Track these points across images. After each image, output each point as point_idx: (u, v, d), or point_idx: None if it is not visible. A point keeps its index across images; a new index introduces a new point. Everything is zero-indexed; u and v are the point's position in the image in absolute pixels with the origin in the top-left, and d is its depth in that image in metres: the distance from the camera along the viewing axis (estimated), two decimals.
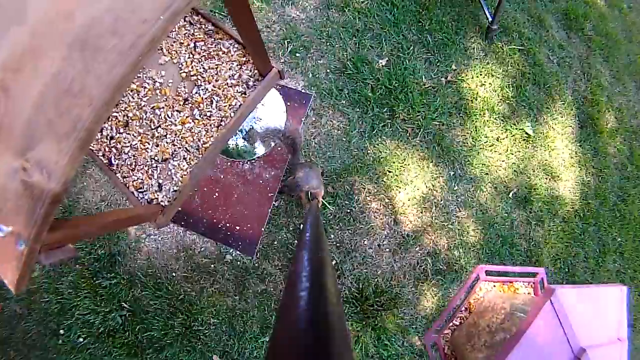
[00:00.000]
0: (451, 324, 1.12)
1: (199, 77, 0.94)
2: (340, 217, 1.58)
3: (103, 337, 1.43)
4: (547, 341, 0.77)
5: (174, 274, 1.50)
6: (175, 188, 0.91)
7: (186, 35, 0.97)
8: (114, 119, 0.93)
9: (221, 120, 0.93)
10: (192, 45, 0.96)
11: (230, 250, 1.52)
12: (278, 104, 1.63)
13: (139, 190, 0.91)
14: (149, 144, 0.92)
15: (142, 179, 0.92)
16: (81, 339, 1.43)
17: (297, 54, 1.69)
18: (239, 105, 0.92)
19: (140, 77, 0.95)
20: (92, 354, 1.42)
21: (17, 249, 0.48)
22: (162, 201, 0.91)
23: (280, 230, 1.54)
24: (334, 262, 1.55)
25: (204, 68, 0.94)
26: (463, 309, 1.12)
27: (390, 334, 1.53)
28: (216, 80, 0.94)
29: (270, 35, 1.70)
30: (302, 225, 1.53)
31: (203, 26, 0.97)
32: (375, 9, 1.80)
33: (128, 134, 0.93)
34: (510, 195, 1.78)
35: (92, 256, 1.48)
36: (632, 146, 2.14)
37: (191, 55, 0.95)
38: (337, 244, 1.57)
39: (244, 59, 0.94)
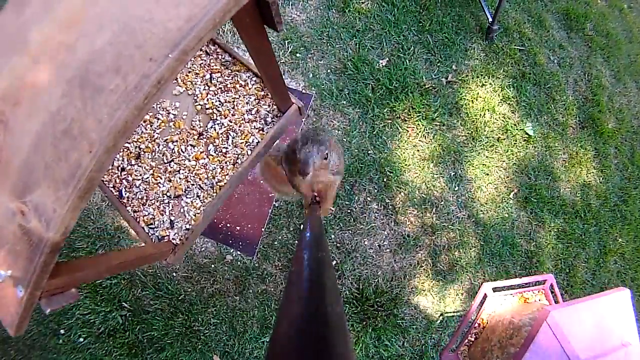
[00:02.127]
0: (467, 340, 1.13)
1: (215, 110, 0.90)
2: (340, 217, 1.58)
3: (103, 337, 1.43)
4: (549, 357, 0.78)
5: (174, 274, 1.50)
6: (187, 226, 0.87)
7: (202, 65, 0.93)
8: (126, 150, 0.90)
9: (237, 158, 0.88)
10: (207, 76, 0.92)
11: (231, 251, 1.52)
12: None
13: (150, 226, 0.86)
14: (161, 178, 0.89)
15: (153, 215, 0.87)
16: (81, 339, 1.44)
17: (298, 54, 1.69)
18: (257, 143, 0.88)
19: (154, 107, 0.90)
20: (92, 354, 1.43)
21: (16, 294, 0.46)
22: (173, 239, 0.86)
23: (280, 230, 1.54)
24: (334, 263, 1.55)
25: (220, 101, 0.90)
26: (476, 324, 1.13)
27: (391, 334, 1.53)
28: (232, 115, 0.89)
29: (270, 35, 1.70)
30: (302, 225, 1.53)
31: (220, 56, 0.93)
32: (376, 10, 1.80)
33: (140, 166, 0.89)
34: (511, 195, 1.78)
35: (92, 256, 1.48)
36: (633, 146, 2.13)
37: (207, 87, 0.91)
38: (338, 244, 1.57)
39: (262, 92, 0.91)
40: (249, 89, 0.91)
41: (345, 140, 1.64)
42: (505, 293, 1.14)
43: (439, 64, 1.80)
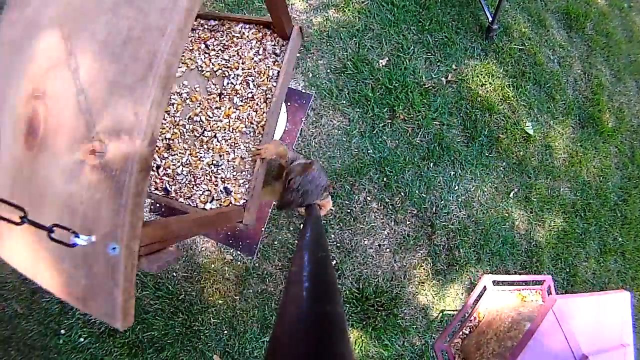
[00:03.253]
0: (461, 332, 1.13)
1: (224, 68, 0.92)
2: (340, 217, 1.58)
3: (104, 337, 1.43)
4: (551, 349, 0.78)
5: (174, 274, 1.50)
6: (244, 181, 0.87)
7: (193, 41, 0.95)
8: None
9: (266, 94, 0.90)
10: (202, 46, 0.94)
11: (231, 250, 1.52)
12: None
13: (209, 202, 0.86)
14: (200, 152, 0.89)
15: (208, 190, 0.87)
16: (82, 339, 1.44)
17: (297, 54, 1.69)
18: (277, 73, 0.90)
19: None
20: (92, 354, 1.43)
21: (110, 257, 0.38)
22: (238, 201, 0.86)
23: (280, 230, 1.54)
24: (334, 262, 1.55)
25: (224, 59, 0.92)
26: (472, 317, 1.13)
27: (391, 334, 1.53)
28: (243, 63, 0.91)
29: None
30: (302, 225, 1.53)
31: (205, 26, 0.96)
32: (375, 9, 1.80)
33: (173, 155, 0.89)
34: (511, 195, 1.78)
35: None
36: (633, 146, 2.13)
37: (207, 55, 0.93)
38: (338, 244, 1.57)
39: (260, 34, 0.93)
40: (247, 36, 0.94)
41: (345, 139, 1.64)
42: (504, 289, 1.15)
43: (438, 64, 1.80)
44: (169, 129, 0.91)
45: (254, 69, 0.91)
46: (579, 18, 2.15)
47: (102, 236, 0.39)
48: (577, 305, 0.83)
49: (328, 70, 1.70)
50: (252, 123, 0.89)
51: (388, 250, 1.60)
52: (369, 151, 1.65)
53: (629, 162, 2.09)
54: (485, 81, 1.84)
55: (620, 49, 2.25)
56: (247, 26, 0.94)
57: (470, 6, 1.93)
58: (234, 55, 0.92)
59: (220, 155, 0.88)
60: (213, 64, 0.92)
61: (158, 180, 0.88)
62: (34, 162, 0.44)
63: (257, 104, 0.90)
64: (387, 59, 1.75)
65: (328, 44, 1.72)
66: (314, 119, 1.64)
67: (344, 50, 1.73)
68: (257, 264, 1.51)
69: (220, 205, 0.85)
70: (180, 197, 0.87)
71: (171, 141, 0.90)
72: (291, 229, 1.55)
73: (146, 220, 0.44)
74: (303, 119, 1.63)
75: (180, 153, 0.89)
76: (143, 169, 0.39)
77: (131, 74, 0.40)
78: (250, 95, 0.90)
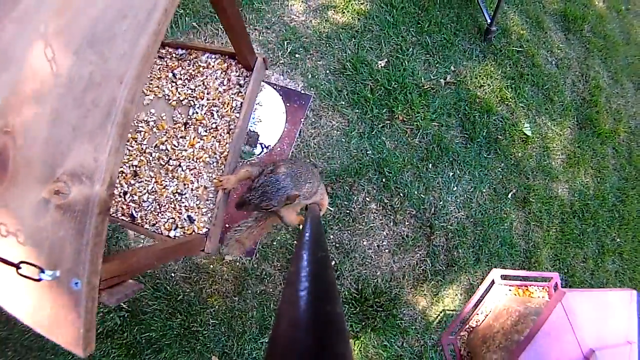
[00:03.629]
0: (467, 326, 1.13)
1: (189, 98, 0.94)
2: (339, 217, 1.58)
3: (102, 337, 1.43)
4: (558, 342, 0.78)
5: (172, 275, 1.49)
6: (207, 210, 0.89)
7: (161, 69, 0.97)
8: (121, 174, 0.92)
9: (229, 125, 0.92)
10: (170, 75, 0.96)
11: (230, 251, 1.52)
12: (277, 105, 1.63)
13: (173, 230, 0.88)
14: (165, 180, 0.90)
15: (172, 218, 0.89)
16: None
17: (297, 55, 1.69)
18: (240, 104, 0.92)
19: (132, 124, 0.93)
20: (90, 355, 1.42)
21: (73, 290, 0.41)
22: (201, 230, 0.88)
23: (279, 230, 1.54)
24: (333, 263, 1.55)
25: (191, 89, 0.94)
26: (479, 311, 1.13)
27: (390, 334, 1.53)
28: (208, 94, 0.94)
29: (270, 36, 1.70)
30: (301, 226, 1.53)
31: (173, 54, 0.98)
32: (375, 11, 1.80)
33: (140, 182, 0.91)
34: (509, 196, 1.78)
35: None
36: (630, 147, 2.14)
37: (174, 84, 0.95)
38: (337, 245, 1.57)
39: (225, 64, 0.95)
40: (212, 66, 0.96)
41: (344, 140, 1.64)
42: (511, 283, 1.15)
43: (437, 65, 1.80)
44: (136, 156, 0.93)
45: (219, 99, 0.94)
46: (577, 20, 2.16)
47: (65, 271, 0.42)
48: (585, 300, 0.83)
49: (327, 71, 1.70)
50: (215, 153, 0.91)
51: (387, 250, 1.60)
52: (367, 152, 1.65)
53: (626, 164, 2.10)
54: (484, 82, 1.85)
55: (617, 51, 2.27)
56: (213, 56, 0.97)
57: (468, 8, 1.93)
58: (199, 85, 0.95)
59: (184, 184, 0.90)
60: (180, 93, 0.94)
61: (125, 207, 0.90)
62: (5, 195, 0.45)
63: (221, 135, 0.92)
64: (386, 60, 1.76)
65: (327, 45, 1.73)
66: (313, 119, 1.64)
67: (343, 51, 1.73)
68: (255, 265, 1.51)
69: (184, 232, 0.88)
70: (146, 223, 0.89)
71: (138, 168, 0.92)
72: (290, 229, 1.55)
73: (106, 256, 0.47)
74: (302, 120, 1.63)
75: (146, 180, 0.91)
76: (102, 211, 0.42)
77: (92, 119, 0.43)
78: (214, 125, 0.92)
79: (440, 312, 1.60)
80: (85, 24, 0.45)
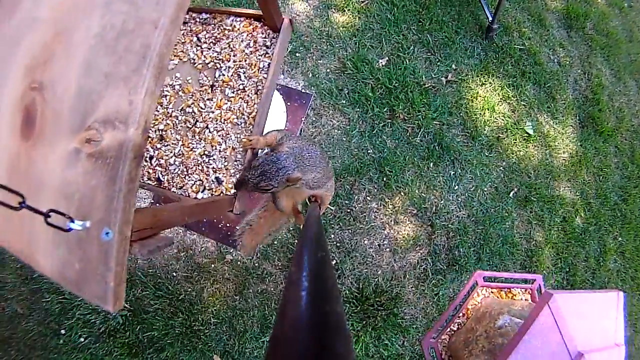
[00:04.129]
0: (449, 329, 1.12)
1: (215, 61, 0.93)
2: (340, 217, 1.58)
3: (104, 337, 1.43)
4: (545, 345, 0.77)
5: (174, 274, 1.50)
6: (235, 171, 0.88)
7: (185, 34, 0.96)
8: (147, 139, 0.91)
9: (257, 86, 0.91)
10: (194, 39, 0.95)
11: (231, 250, 1.52)
12: (278, 104, 1.63)
13: (201, 192, 0.88)
14: (192, 143, 0.90)
15: (200, 180, 0.89)
16: (82, 339, 1.44)
17: (297, 54, 1.69)
18: (268, 64, 0.91)
19: None
20: (93, 354, 1.43)
21: (103, 242, 0.40)
22: (229, 191, 0.87)
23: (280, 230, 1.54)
24: (334, 262, 1.55)
25: (216, 51, 0.93)
26: (460, 314, 1.12)
27: (391, 333, 1.53)
28: (234, 55, 0.93)
29: None
30: (302, 225, 1.53)
31: (197, 19, 0.97)
32: (375, 9, 1.80)
33: (166, 145, 0.91)
34: (511, 194, 1.78)
35: None
36: (633, 145, 2.13)
37: (199, 47, 0.94)
38: (337, 244, 1.57)
39: (251, 26, 0.94)
40: (238, 29, 0.94)
41: (344, 139, 1.64)
42: (494, 285, 1.14)
43: (438, 63, 1.80)
44: (162, 120, 0.93)
45: (245, 61, 0.93)
46: (579, 18, 2.15)
47: (96, 222, 0.40)
48: (572, 301, 0.82)
49: (328, 70, 1.70)
50: (243, 114, 0.90)
51: (388, 249, 1.60)
52: (368, 151, 1.65)
53: (628, 162, 2.09)
54: (485, 81, 1.84)
55: (620, 49, 2.25)
56: (238, 19, 0.96)
57: (470, 6, 1.92)
58: (225, 48, 0.94)
59: (212, 146, 0.90)
60: (205, 57, 0.94)
61: (151, 171, 0.90)
62: (32, 151, 0.45)
63: (248, 96, 0.91)
64: (387, 58, 1.75)
65: (328, 43, 1.72)
66: (314, 118, 1.64)
67: (343, 49, 1.73)
68: (257, 264, 1.52)
69: (212, 194, 0.87)
70: (173, 187, 0.89)
71: (164, 132, 0.92)
72: (291, 228, 1.55)
73: (138, 207, 0.47)
74: (303, 119, 1.63)
75: (172, 144, 0.91)
76: (136, 156, 0.41)
77: (125, 65, 0.42)
78: (241, 87, 0.92)
79: (441, 311, 1.60)
80: None
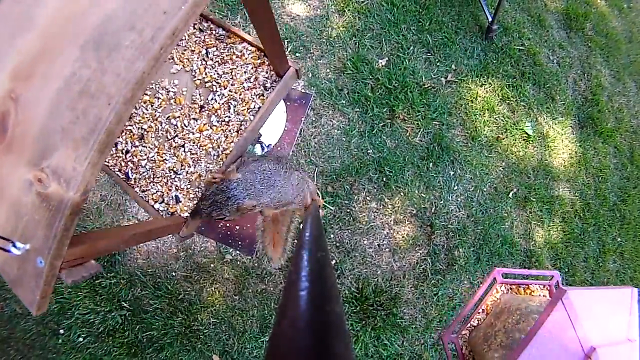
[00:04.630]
0: (469, 324, 1.13)
1: (214, 82, 0.92)
2: (340, 217, 1.58)
3: (103, 336, 1.43)
4: (559, 340, 0.78)
5: (173, 274, 1.50)
6: (194, 196, 0.89)
7: (197, 42, 0.95)
8: (128, 132, 0.92)
9: (240, 125, 0.91)
10: (204, 52, 0.94)
11: (230, 250, 1.52)
12: (278, 104, 1.62)
13: (159, 203, 0.89)
14: (166, 155, 0.91)
15: (161, 191, 0.90)
16: (81, 339, 1.44)
17: (297, 54, 1.69)
18: (258, 108, 0.91)
19: (153, 88, 0.93)
20: (92, 354, 1.43)
21: (36, 266, 0.47)
22: (183, 212, 0.89)
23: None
24: (333, 262, 1.55)
25: (218, 74, 0.92)
26: (480, 310, 1.14)
27: (390, 333, 1.53)
28: (232, 85, 0.92)
29: None
30: (301, 225, 1.53)
31: (214, 32, 0.96)
32: (375, 9, 1.80)
33: (144, 146, 0.91)
34: (510, 195, 1.78)
35: None
36: (632, 146, 2.14)
37: (204, 62, 0.93)
38: (337, 244, 1.57)
39: (259, 61, 0.93)
40: (246, 58, 0.93)
41: (344, 139, 1.64)
42: (513, 282, 1.15)
43: (438, 64, 1.80)
44: (148, 120, 0.93)
45: (240, 94, 0.92)
46: (579, 18, 2.15)
47: (34, 249, 0.47)
48: (586, 298, 0.83)
49: (328, 70, 1.70)
50: (219, 147, 0.91)
51: (387, 250, 1.60)
52: (368, 151, 1.65)
53: (628, 163, 2.10)
54: (485, 81, 1.84)
55: (619, 50, 2.26)
56: (250, 48, 0.94)
57: (470, 6, 1.93)
58: (227, 73, 0.93)
59: (181, 165, 0.91)
60: (206, 74, 0.93)
61: (123, 163, 0.92)
62: (2, 158, 0.49)
63: (230, 131, 0.91)
64: (387, 59, 1.75)
65: (328, 43, 1.72)
66: (314, 118, 1.64)
67: (343, 50, 1.73)
68: (256, 264, 1.51)
69: (167, 208, 0.89)
70: (137, 187, 0.91)
71: (146, 132, 0.93)
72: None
73: (75, 235, 0.51)
74: (303, 119, 1.63)
75: (149, 147, 0.92)
76: (73, 212, 0.46)
77: (79, 128, 0.45)
78: (227, 119, 0.91)
79: (441, 311, 1.60)
80: (96, 21, 0.45)
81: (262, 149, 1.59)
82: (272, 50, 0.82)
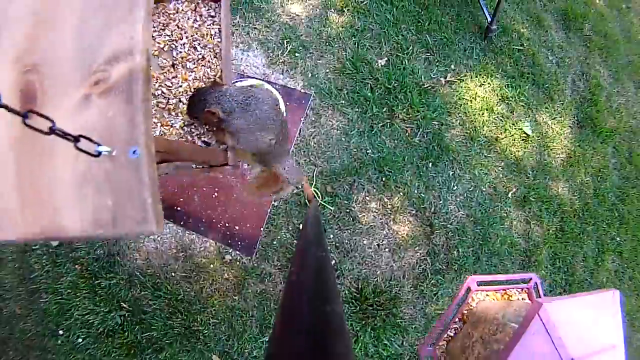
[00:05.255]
0: (446, 335, 1.11)
1: (169, 43, 0.99)
2: (339, 217, 1.58)
3: (102, 337, 1.43)
4: (537, 354, 0.77)
5: (173, 274, 1.50)
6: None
7: None
8: None
9: (214, 50, 0.99)
10: None
11: (230, 250, 1.52)
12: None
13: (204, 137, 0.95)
14: (170, 120, 0.96)
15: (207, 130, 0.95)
16: (80, 339, 1.43)
17: (297, 54, 1.69)
18: (218, 30, 0.99)
19: None
20: (91, 355, 1.42)
21: (132, 160, 0.42)
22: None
23: (279, 230, 1.54)
24: (333, 262, 1.55)
25: (167, 35, 1.00)
26: (457, 319, 1.11)
27: (390, 333, 1.53)
28: (185, 33, 1.00)
29: (270, 35, 1.70)
30: (301, 225, 1.53)
31: None
32: (375, 9, 1.80)
33: None
34: (509, 195, 1.78)
35: (91, 256, 1.48)
36: (630, 146, 2.14)
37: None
38: (337, 244, 1.57)
39: (193, 4, 1.01)
40: (182, 10, 1.01)
41: (344, 139, 1.64)
42: (489, 288, 1.13)
43: (437, 64, 1.80)
44: None
45: (197, 34, 1.00)
46: (578, 19, 2.16)
47: (121, 145, 0.43)
48: (564, 308, 0.81)
49: (327, 70, 1.70)
50: (209, 78, 0.97)
51: (387, 250, 1.60)
52: (367, 151, 1.65)
53: (626, 163, 2.10)
54: (484, 81, 1.84)
55: (618, 50, 2.26)
56: (179, 1, 1.02)
57: (469, 7, 1.93)
58: (175, 30, 1.00)
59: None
60: (158, 42, 0.99)
61: None
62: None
63: (209, 61, 0.98)
64: (386, 59, 1.75)
65: (327, 43, 1.72)
66: (313, 118, 1.64)
67: (343, 50, 1.73)
68: (256, 264, 1.51)
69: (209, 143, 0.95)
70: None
71: None
72: (290, 228, 1.55)
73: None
74: (302, 119, 1.63)
75: (152, 128, 0.95)
76: (146, 79, 0.46)
77: (119, 10, 0.48)
78: (200, 56, 0.99)
79: (441, 311, 1.60)
80: None
81: None
82: None
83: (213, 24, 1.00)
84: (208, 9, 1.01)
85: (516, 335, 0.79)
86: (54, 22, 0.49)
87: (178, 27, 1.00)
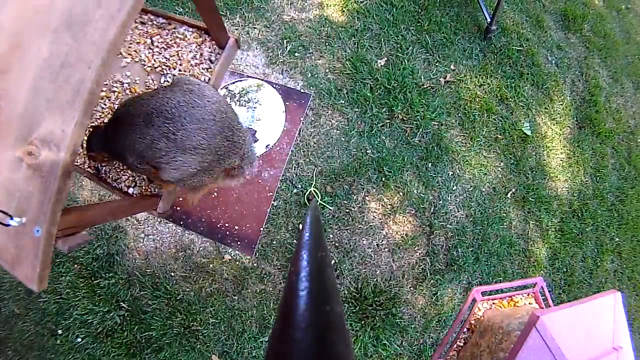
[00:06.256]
0: (455, 345, 1.12)
1: (163, 66, 0.99)
2: (339, 217, 1.58)
3: (101, 337, 1.43)
4: None
5: (172, 274, 1.49)
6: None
7: (141, 34, 1.01)
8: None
9: None
10: (149, 41, 1.00)
11: (229, 250, 1.52)
12: (277, 104, 1.63)
13: (132, 187, 0.96)
14: None
15: (132, 176, 0.96)
16: (79, 339, 1.43)
17: (296, 54, 1.69)
18: (208, 80, 0.98)
19: (107, 84, 0.99)
20: (90, 354, 1.42)
21: (34, 237, 0.49)
22: (155, 191, 0.96)
23: (279, 229, 1.54)
24: (333, 262, 1.55)
25: (165, 57, 1.00)
26: (465, 329, 1.12)
27: (389, 333, 1.53)
28: (180, 65, 0.99)
29: (270, 35, 1.70)
30: (301, 225, 1.53)
31: (154, 22, 1.02)
32: (374, 9, 1.80)
33: None
34: (509, 195, 1.78)
35: (90, 256, 1.48)
36: (629, 146, 2.15)
37: (150, 50, 1.00)
38: (336, 244, 1.57)
39: (201, 39, 1.00)
40: (189, 39, 1.00)
41: (343, 139, 1.64)
42: (495, 297, 1.13)
43: (437, 64, 1.80)
44: (107, 114, 0.98)
45: (189, 72, 0.99)
46: (577, 19, 2.16)
47: (30, 220, 0.50)
48: (562, 318, 0.81)
49: (327, 70, 1.70)
50: None
51: (386, 250, 1.61)
52: (367, 151, 1.65)
53: (625, 163, 2.11)
54: (484, 82, 1.85)
55: (617, 51, 2.27)
56: (190, 29, 1.01)
57: (468, 7, 1.93)
58: (174, 55, 1.00)
59: None
60: (155, 60, 1.00)
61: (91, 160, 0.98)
62: None
63: None
64: (386, 59, 1.76)
65: (327, 43, 1.72)
66: (313, 118, 1.64)
67: (342, 50, 1.73)
68: (255, 264, 1.51)
69: (141, 190, 0.96)
70: (109, 178, 0.97)
71: None
72: (289, 228, 1.55)
73: (66, 207, 0.56)
74: (302, 119, 1.63)
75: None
76: (65, 174, 0.50)
77: (64, 95, 0.50)
78: None
79: (440, 311, 1.60)
80: (63, 6, 0.51)
81: (267, 147, 1.59)
82: (212, 22, 0.88)
83: (207, 70, 0.98)
84: (210, 52, 0.99)
85: (514, 348, 0.79)
86: (24, 58, 0.51)
87: (177, 54, 0.99)
